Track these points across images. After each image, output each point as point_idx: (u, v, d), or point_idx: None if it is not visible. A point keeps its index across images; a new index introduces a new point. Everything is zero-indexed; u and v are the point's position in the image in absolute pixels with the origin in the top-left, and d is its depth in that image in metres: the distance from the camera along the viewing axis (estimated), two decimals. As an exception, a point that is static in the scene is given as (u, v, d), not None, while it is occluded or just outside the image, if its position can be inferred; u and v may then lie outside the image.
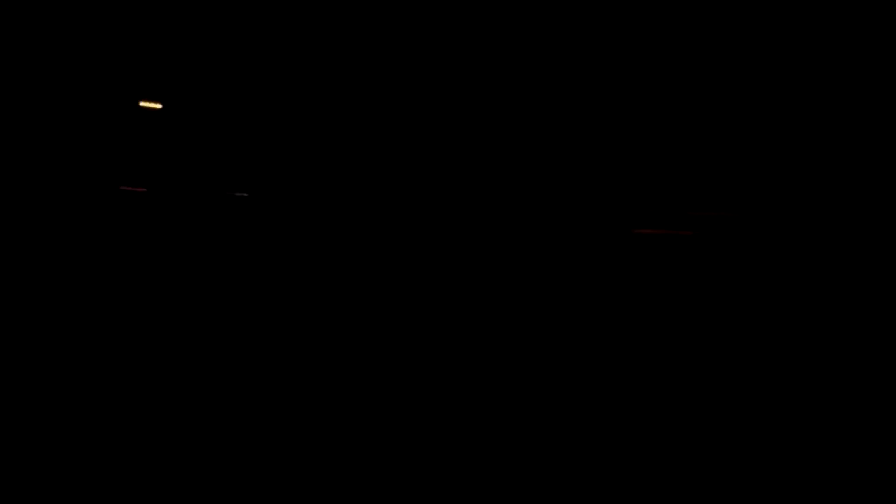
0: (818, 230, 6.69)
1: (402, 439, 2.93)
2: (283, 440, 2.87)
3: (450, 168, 11.69)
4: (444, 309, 6.22)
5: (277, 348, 4.46)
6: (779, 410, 3.56)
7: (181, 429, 2.93)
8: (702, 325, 5.83)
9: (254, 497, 2.22)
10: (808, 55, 7.10)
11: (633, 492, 2.58)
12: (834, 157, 6.75)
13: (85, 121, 9.05)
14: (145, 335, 4.66)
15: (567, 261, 8.42)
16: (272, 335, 4.76)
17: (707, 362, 4.67)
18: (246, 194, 10.01)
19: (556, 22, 10.22)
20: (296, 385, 3.62)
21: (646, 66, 9.28)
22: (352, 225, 10.14)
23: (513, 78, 10.85)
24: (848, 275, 5.90)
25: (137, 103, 8.54)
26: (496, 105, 11.22)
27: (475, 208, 10.80)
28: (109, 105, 9.14)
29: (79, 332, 4.74)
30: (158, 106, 8.30)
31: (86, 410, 3.14)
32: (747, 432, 3.17)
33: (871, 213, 6.19)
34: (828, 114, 6.93)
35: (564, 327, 5.56)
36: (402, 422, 3.21)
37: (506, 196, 11.43)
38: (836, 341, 5.30)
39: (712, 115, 8.58)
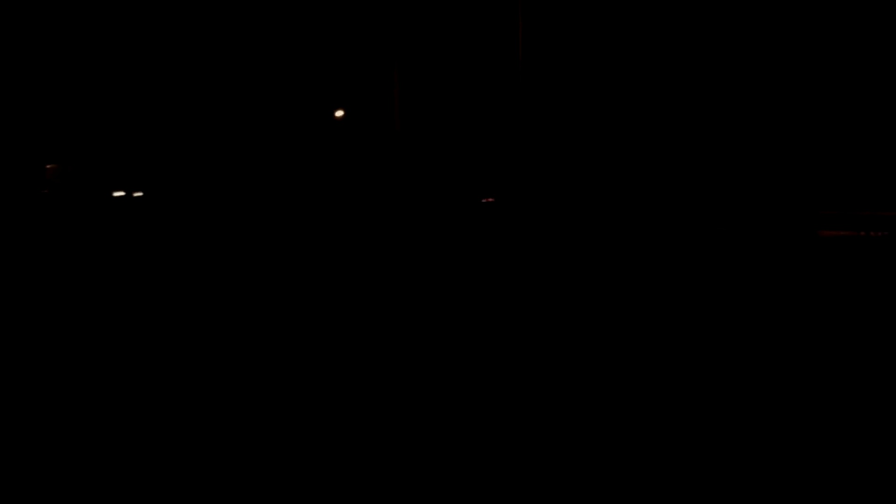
0: None
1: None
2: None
3: (666, 174, 11.43)
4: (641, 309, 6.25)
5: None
6: None
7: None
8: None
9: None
10: None
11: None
12: None
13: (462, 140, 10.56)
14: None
15: (744, 268, 7.98)
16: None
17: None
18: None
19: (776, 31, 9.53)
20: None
21: (843, 73, 8.30)
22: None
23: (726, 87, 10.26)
24: None
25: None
26: (696, 113, 10.72)
27: (665, 210, 10.51)
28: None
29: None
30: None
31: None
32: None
33: None
34: None
35: (747, 331, 5.28)
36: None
37: (689, 196, 10.94)
38: None
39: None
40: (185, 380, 3.66)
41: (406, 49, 12.57)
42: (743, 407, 3.31)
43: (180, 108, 14.63)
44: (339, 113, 13.49)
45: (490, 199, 11.43)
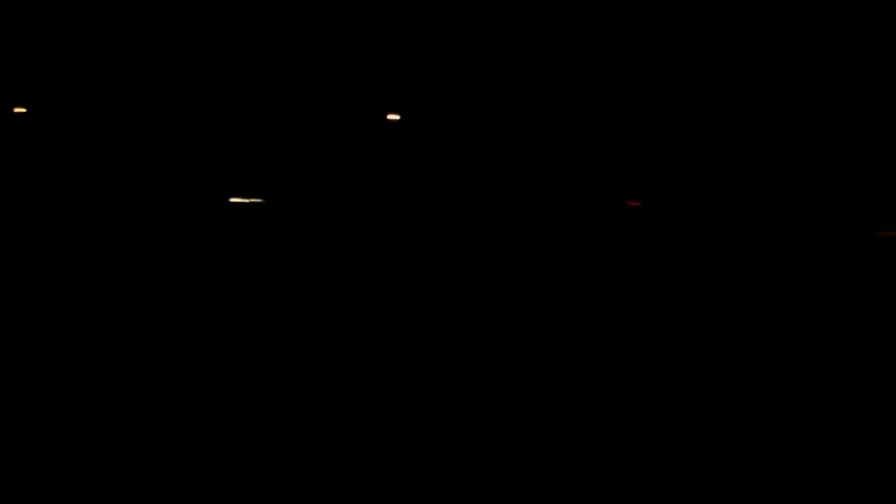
0: None
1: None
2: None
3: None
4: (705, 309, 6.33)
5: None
6: None
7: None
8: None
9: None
10: None
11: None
12: None
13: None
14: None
15: (805, 266, 7.85)
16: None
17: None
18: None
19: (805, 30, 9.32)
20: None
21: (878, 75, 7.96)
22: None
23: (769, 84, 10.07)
24: None
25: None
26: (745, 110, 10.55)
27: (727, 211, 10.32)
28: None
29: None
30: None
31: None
32: None
33: None
34: None
35: (806, 334, 5.28)
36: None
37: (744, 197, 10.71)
38: None
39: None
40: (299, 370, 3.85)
41: (459, 55, 12.68)
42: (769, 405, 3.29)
43: (248, 111, 15.20)
44: (395, 117, 13.72)
45: (636, 203, 10.81)
